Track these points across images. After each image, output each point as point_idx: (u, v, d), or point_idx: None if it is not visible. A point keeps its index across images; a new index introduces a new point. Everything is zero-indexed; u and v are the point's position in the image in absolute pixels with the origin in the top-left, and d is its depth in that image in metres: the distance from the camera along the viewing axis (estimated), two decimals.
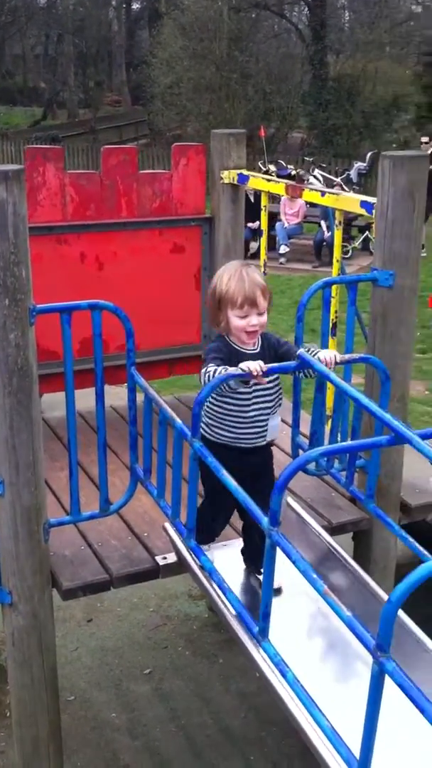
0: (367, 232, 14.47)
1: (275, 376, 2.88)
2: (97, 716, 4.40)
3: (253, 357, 2.77)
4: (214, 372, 2.67)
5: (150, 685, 4.62)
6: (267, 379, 2.77)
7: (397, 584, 1.79)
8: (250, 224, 13.80)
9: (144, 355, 4.54)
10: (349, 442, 3.09)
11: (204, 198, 4.62)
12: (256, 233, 14.78)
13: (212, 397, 2.88)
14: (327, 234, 13.84)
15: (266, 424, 2.94)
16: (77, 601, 5.06)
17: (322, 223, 14.11)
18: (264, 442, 2.96)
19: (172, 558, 3.26)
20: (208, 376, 2.68)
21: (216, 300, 2.86)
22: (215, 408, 2.91)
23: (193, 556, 2.91)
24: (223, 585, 2.67)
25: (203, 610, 5.20)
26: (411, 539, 3.03)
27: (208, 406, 2.92)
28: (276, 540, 2.27)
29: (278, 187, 4.07)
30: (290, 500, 3.59)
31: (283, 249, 14.35)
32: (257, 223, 14.43)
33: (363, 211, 3.51)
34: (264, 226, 4.40)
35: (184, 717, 4.39)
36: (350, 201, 3.59)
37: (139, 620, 5.17)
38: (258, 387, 2.85)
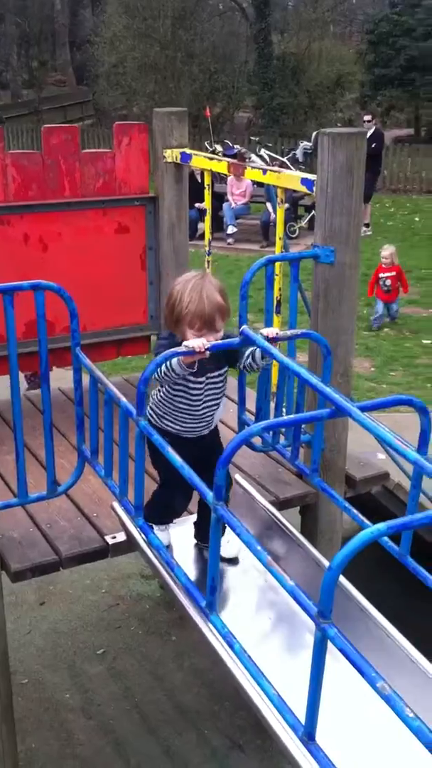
0: (313, 212, 14.52)
1: (224, 371, 2.94)
2: (51, 698, 4.42)
3: (204, 366, 2.82)
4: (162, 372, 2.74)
5: (103, 665, 4.65)
6: (216, 372, 2.88)
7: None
8: (197, 205, 13.78)
9: (91, 337, 4.53)
10: (291, 416, 3.12)
11: (147, 177, 4.61)
12: (203, 214, 14.76)
13: (165, 392, 2.92)
14: (273, 215, 13.87)
15: (213, 417, 3.01)
16: (29, 584, 5.07)
17: (268, 204, 14.16)
18: (208, 431, 3.03)
19: (121, 537, 3.27)
20: (164, 369, 2.74)
21: (173, 316, 2.80)
22: (167, 403, 2.94)
23: (142, 534, 2.93)
24: (171, 561, 2.69)
25: (155, 589, 5.24)
26: (355, 511, 3.08)
27: (160, 400, 2.95)
28: (221, 514, 2.29)
29: (221, 165, 4.08)
30: (238, 477, 3.63)
31: (230, 229, 14.37)
32: (204, 204, 14.46)
33: (304, 189, 3.53)
34: (208, 205, 4.40)
35: (138, 695, 4.43)
36: (291, 178, 3.62)
37: (91, 601, 5.19)
38: (209, 383, 2.90)
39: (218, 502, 2.30)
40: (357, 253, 3.45)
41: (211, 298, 2.76)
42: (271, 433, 3.45)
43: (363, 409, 2.38)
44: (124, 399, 2.82)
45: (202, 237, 14.47)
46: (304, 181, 3.53)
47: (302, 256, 3.46)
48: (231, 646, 2.41)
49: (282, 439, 3.53)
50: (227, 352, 2.89)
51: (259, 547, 2.17)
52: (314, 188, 3.43)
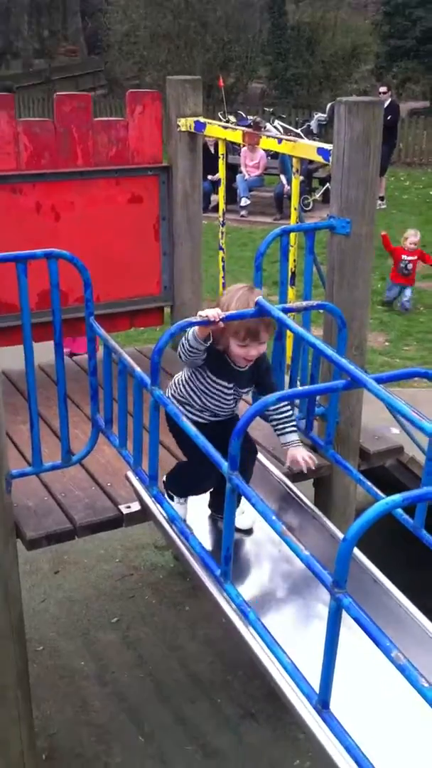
0: (327, 184, 14.44)
1: (240, 390, 2.93)
2: (66, 665, 4.46)
3: (242, 374, 2.83)
4: (185, 346, 2.74)
5: (117, 633, 4.69)
6: (246, 389, 2.94)
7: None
8: (210, 176, 13.69)
9: (104, 308, 4.52)
10: (306, 387, 3.11)
11: (161, 147, 4.57)
12: (216, 186, 14.66)
13: (187, 380, 2.90)
14: (287, 187, 13.77)
15: (232, 411, 3.01)
16: (44, 553, 5.11)
17: (282, 176, 14.04)
18: (228, 419, 2.99)
19: (135, 507, 3.28)
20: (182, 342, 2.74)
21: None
22: (188, 391, 2.92)
23: (157, 503, 2.94)
24: (185, 531, 2.70)
25: (169, 559, 5.27)
26: (369, 483, 3.09)
27: (183, 388, 2.93)
28: (236, 483, 2.30)
29: (235, 134, 4.04)
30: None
31: (244, 201, 14.26)
32: (217, 175, 14.36)
33: (320, 159, 3.49)
34: (222, 176, 4.36)
35: (152, 663, 4.47)
36: (307, 148, 3.58)
37: (105, 571, 5.22)
38: (235, 396, 2.91)
39: (233, 472, 2.31)
40: (372, 224, 3.41)
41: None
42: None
43: (378, 380, 2.36)
44: (138, 369, 2.82)
45: (215, 209, 14.34)
46: (320, 151, 3.49)
47: (318, 227, 3.44)
48: (245, 615, 2.43)
49: (296, 412, 3.53)
50: (260, 379, 2.90)
51: (273, 517, 2.17)
52: (330, 158, 3.39)
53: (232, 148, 15.83)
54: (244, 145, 14.49)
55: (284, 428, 2.96)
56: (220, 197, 4.46)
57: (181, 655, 4.53)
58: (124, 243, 4.57)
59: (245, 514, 3.09)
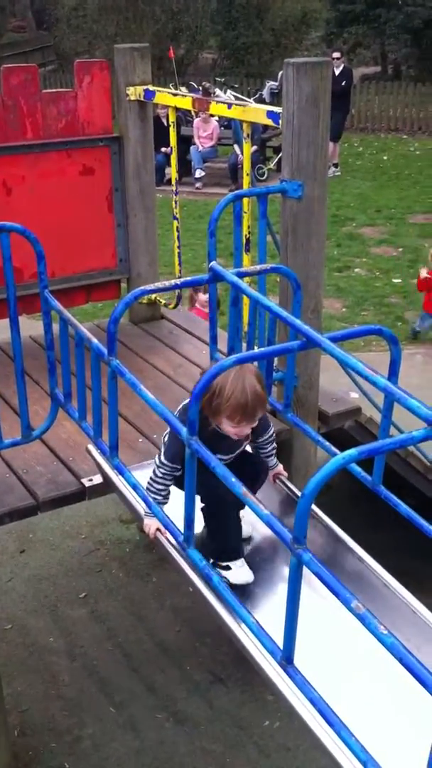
0: (281, 153, 14.37)
1: (240, 450, 2.80)
2: (35, 642, 4.47)
3: (235, 443, 2.71)
4: (155, 489, 2.70)
5: (86, 608, 4.70)
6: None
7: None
8: (164, 149, 13.57)
9: (60, 283, 4.49)
10: (261, 349, 3.12)
11: (111, 117, 4.52)
12: (170, 158, 14.54)
13: None
14: (242, 157, 13.70)
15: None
16: (9, 533, 5.09)
17: (236, 146, 13.97)
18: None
19: (97, 479, 3.28)
20: (151, 482, 2.71)
21: (212, 407, 2.56)
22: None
23: (118, 474, 2.94)
24: (148, 499, 2.71)
25: (135, 533, 5.28)
26: (328, 444, 3.12)
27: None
28: (195, 448, 2.30)
29: (185, 101, 4.00)
30: None
31: (198, 173, 14.19)
32: (171, 148, 14.24)
33: (269, 122, 3.48)
34: (173, 144, 4.33)
35: (121, 635, 4.49)
36: (257, 112, 3.56)
37: (71, 547, 5.22)
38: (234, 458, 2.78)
39: (192, 437, 2.31)
40: (325, 187, 3.41)
41: (253, 390, 2.55)
42: None
43: (333, 339, 2.38)
44: (95, 340, 2.80)
45: (169, 182, 14.19)
46: (270, 114, 3.47)
47: (270, 191, 3.43)
48: (209, 579, 2.44)
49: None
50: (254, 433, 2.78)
51: (233, 479, 2.18)
52: (280, 121, 3.38)
53: (185, 119, 15.70)
54: (196, 114, 14.40)
55: (270, 456, 2.99)
56: (172, 166, 4.43)
57: (150, 625, 4.56)
58: (78, 216, 4.52)
59: (243, 520, 2.87)
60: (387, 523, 3.43)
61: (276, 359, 3.56)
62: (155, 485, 2.72)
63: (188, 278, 2.71)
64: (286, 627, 2.07)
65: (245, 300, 3.46)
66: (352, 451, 1.89)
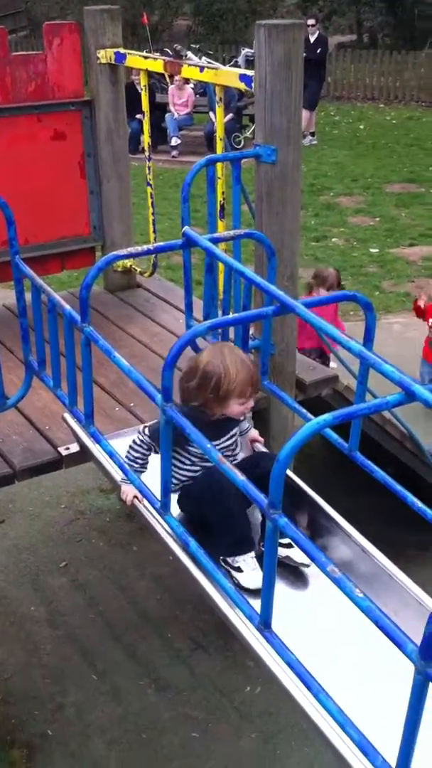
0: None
1: (234, 434, 2.79)
2: (16, 611, 4.47)
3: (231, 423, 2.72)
4: (133, 457, 2.71)
5: (66, 577, 4.71)
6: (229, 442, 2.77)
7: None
8: (139, 116, 13.38)
9: (33, 250, 4.44)
10: (235, 315, 3.09)
11: (82, 80, 4.45)
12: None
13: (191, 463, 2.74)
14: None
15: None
16: None
17: (211, 114, 13.83)
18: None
19: (74, 448, 3.27)
20: (130, 449, 2.72)
21: (221, 394, 2.57)
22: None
23: (94, 442, 2.92)
24: (124, 466, 2.69)
25: (115, 502, 5.28)
26: (305, 411, 3.11)
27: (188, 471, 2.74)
28: (170, 414, 2.29)
29: (156, 64, 3.94)
30: None
31: (174, 141, 14.03)
32: (144, 113, 14.07)
33: (242, 85, 3.43)
34: (145, 108, 4.26)
35: (102, 604, 4.50)
36: (229, 75, 3.51)
37: (51, 517, 5.21)
38: (222, 447, 2.75)
39: (166, 403, 2.30)
40: (299, 152, 3.39)
41: (247, 359, 2.62)
42: (219, 337, 3.43)
43: (307, 305, 2.37)
44: (67, 306, 2.77)
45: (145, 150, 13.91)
46: (242, 77, 3.43)
47: (243, 155, 3.39)
48: (187, 545, 2.44)
49: None
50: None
51: (209, 445, 2.17)
52: (253, 85, 3.33)
53: (160, 87, 15.51)
54: (171, 81, 14.22)
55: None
56: (145, 132, 4.37)
57: (131, 594, 4.57)
58: (50, 182, 4.46)
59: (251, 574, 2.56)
60: (366, 490, 3.44)
61: (252, 327, 3.55)
62: (133, 453, 2.73)
63: (161, 243, 2.68)
64: (263, 592, 2.08)
65: (221, 268, 3.43)
66: (326, 416, 1.89)
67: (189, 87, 14.24)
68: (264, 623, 2.12)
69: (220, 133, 3.77)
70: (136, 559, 4.83)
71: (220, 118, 3.73)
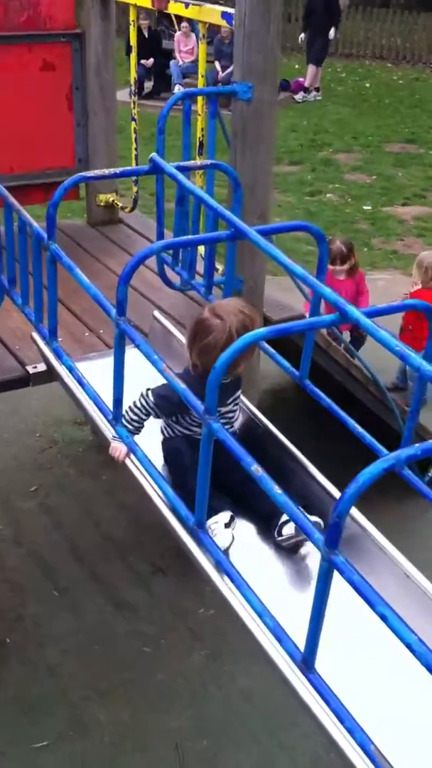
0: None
1: (235, 399, 2.74)
2: None
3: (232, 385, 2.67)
4: (129, 418, 2.64)
5: (36, 501, 4.85)
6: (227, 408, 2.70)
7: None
8: (143, 62, 13.32)
9: (17, 179, 4.50)
10: (191, 236, 3.17)
11: (73, 12, 4.49)
12: (150, 72, 14.27)
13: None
14: (222, 74, 13.51)
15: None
16: None
17: (216, 63, 13.76)
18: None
19: (41, 367, 3.38)
20: (129, 410, 2.65)
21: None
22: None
23: (57, 357, 3.04)
24: (82, 381, 2.82)
25: (87, 434, 5.41)
26: (267, 345, 3.21)
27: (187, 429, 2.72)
28: (123, 328, 2.41)
29: (144, 0, 3.99)
30: (156, 313, 3.73)
31: (177, 89, 13.91)
32: (151, 60, 13.97)
33: (224, 23, 3.49)
34: (133, 42, 4.30)
35: (68, 527, 4.65)
36: (211, 12, 3.57)
37: (26, 445, 5.35)
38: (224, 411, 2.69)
39: (120, 317, 2.41)
40: (275, 90, 3.46)
41: (244, 303, 2.60)
42: (184, 265, 3.50)
43: (261, 232, 2.47)
44: (36, 224, 2.87)
45: (148, 96, 13.93)
46: (224, 15, 3.49)
47: (219, 90, 3.48)
48: (134, 453, 2.58)
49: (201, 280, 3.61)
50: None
51: (156, 356, 2.30)
52: (233, 22, 3.39)
53: (168, 33, 15.36)
54: (178, 28, 14.10)
55: None
56: (131, 67, 4.42)
57: (97, 519, 4.72)
58: (37, 112, 4.52)
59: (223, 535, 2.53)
60: (336, 436, 3.50)
61: (221, 265, 3.63)
62: (131, 415, 2.67)
63: (128, 168, 2.77)
64: (198, 494, 2.21)
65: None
66: (261, 330, 2.02)
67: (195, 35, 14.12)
68: (198, 523, 2.27)
69: (201, 69, 3.83)
70: (105, 488, 4.97)
71: (202, 54, 3.80)
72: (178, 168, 2.83)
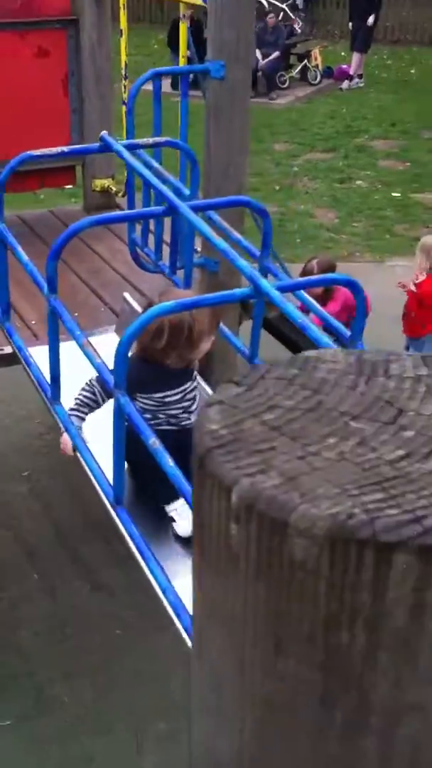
0: (305, 61, 14.02)
1: (189, 389, 2.63)
2: None
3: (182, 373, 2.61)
4: (76, 406, 2.65)
5: (28, 485, 4.89)
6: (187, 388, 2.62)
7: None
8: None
9: None
10: (123, 212, 3.12)
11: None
12: (191, 62, 14.20)
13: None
14: (261, 62, 13.37)
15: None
16: None
17: (258, 51, 13.63)
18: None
19: (8, 350, 3.40)
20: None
21: (193, 338, 2.46)
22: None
23: (7, 334, 3.04)
24: (27, 356, 2.82)
25: None
26: (225, 329, 3.15)
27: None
28: (53, 305, 2.39)
29: None
30: (127, 295, 3.70)
31: None
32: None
33: (199, 0, 3.45)
34: (123, 25, 4.28)
35: (56, 512, 4.68)
36: None
37: (25, 430, 5.38)
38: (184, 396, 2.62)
39: (51, 294, 2.40)
40: (248, 70, 3.41)
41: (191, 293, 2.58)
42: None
43: (195, 207, 2.43)
44: None
45: (194, 86, 13.90)
46: None
47: (191, 69, 3.44)
48: (68, 430, 2.58)
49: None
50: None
51: (78, 332, 2.28)
52: (209, 1, 3.35)
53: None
54: None
55: None
56: (122, 49, 4.39)
57: (85, 504, 4.72)
58: (32, 98, 4.53)
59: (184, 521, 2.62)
60: None
61: (200, 245, 3.58)
62: (81, 397, 2.66)
63: (77, 146, 2.75)
64: (114, 467, 2.20)
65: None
66: (167, 303, 1.98)
67: None
68: (116, 499, 2.26)
69: (183, 51, 3.79)
70: None
71: (182, 35, 3.75)
72: (131, 146, 2.79)
